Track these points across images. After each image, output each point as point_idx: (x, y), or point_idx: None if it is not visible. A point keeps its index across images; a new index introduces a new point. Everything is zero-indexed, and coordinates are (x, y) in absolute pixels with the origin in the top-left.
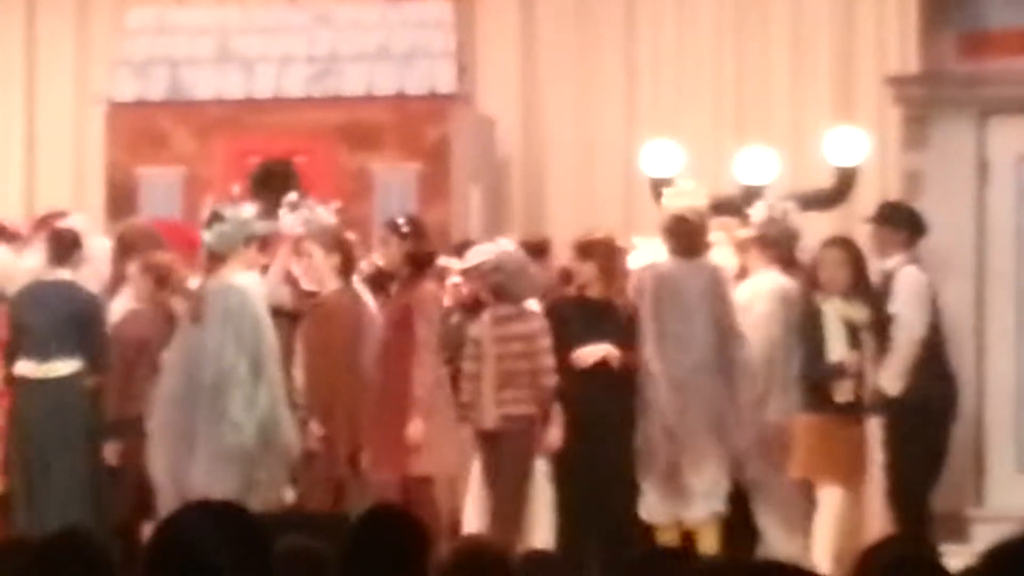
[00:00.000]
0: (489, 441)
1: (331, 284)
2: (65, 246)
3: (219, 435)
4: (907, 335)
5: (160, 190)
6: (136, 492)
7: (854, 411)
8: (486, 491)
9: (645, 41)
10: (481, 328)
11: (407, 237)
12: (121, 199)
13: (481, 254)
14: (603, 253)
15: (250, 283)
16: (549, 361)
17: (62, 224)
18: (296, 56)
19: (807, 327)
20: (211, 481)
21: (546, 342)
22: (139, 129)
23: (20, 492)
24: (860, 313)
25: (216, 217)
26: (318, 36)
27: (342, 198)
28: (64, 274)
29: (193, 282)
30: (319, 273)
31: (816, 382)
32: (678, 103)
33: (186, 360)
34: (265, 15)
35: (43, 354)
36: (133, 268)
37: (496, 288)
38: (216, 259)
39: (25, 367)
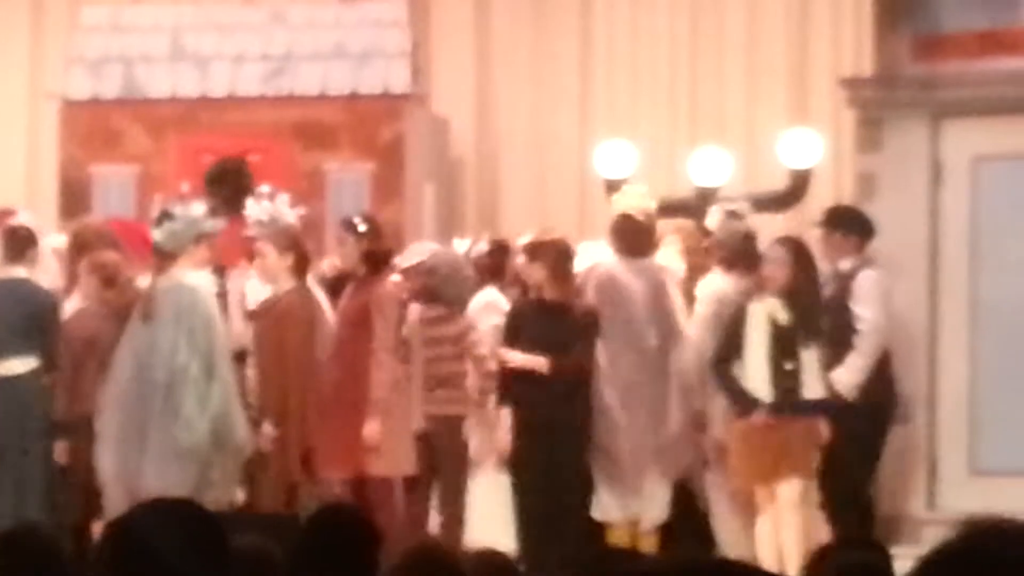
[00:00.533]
0: (420, 442)
1: (285, 284)
2: (20, 244)
3: (172, 434)
4: (876, 340)
5: (114, 188)
6: (85, 491)
7: (782, 412)
8: (422, 491)
9: (600, 42)
10: (410, 329)
11: (364, 236)
12: (75, 197)
13: (417, 254)
14: (552, 255)
15: (201, 282)
16: (484, 350)
17: (16, 222)
18: (250, 55)
19: (730, 327)
20: (163, 480)
21: (476, 336)
22: (93, 127)
23: None
24: (785, 316)
25: (166, 215)
26: (273, 35)
27: (296, 197)
28: (20, 272)
29: (143, 280)
30: (273, 273)
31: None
32: (632, 104)
33: (136, 359)
34: (220, 13)
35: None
36: (82, 267)
37: (428, 290)
38: (166, 257)
39: None
